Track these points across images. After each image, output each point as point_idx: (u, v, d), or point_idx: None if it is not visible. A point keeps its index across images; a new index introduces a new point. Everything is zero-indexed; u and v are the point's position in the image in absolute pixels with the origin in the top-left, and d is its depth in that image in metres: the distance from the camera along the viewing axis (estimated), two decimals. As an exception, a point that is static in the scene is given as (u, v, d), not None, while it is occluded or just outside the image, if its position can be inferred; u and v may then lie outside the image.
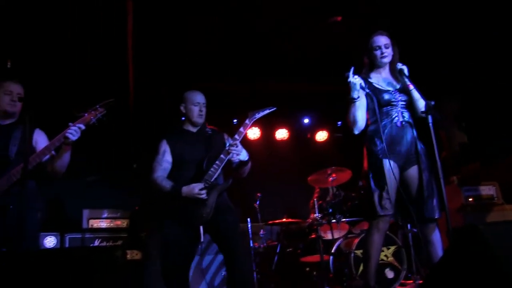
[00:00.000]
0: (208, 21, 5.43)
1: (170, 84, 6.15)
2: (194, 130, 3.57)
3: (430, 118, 2.95)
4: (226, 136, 3.64)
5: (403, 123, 3.28)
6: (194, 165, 3.39)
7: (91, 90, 5.38)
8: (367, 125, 3.37)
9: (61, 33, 5.10)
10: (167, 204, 3.36)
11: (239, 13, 5.31)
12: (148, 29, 5.33)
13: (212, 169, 3.31)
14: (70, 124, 3.05)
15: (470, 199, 5.15)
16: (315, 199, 5.56)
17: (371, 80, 3.37)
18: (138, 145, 5.85)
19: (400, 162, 3.27)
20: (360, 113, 3.29)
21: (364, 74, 3.40)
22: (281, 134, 7.56)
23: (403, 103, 3.31)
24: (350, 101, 3.26)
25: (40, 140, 3.26)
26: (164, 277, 3.30)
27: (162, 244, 3.41)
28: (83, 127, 3.07)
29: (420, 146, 3.28)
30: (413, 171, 3.28)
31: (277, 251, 5.50)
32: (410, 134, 3.28)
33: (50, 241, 4.74)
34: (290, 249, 5.57)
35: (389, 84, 3.36)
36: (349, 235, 5.31)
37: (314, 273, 5.13)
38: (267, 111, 3.55)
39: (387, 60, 3.36)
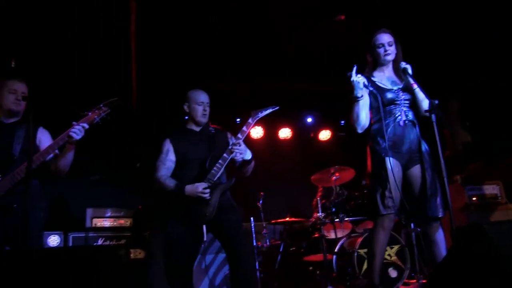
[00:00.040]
0: (212, 21, 5.44)
1: (173, 83, 6.15)
2: (197, 129, 3.57)
3: (433, 117, 2.94)
4: (229, 135, 3.63)
5: (407, 122, 3.27)
6: (197, 164, 3.39)
7: (94, 89, 5.38)
8: (370, 124, 3.36)
9: (65, 33, 5.11)
10: (170, 203, 3.36)
11: (242, 13, 5.32)
12: (151, 29, 5.33)
13: (215, 168, 3.31)
14: (74, 123, 3.05)
15: (474, 198, 5.14)
16: (318, 198, 5.56)
17: (374, 79, 3.36)
18: (141, 144, 5.86)
19: (403, 161, 3.26)
20: (364, 112, 3.29)
21: (367, 72, 3.39)
22: (284, 133, 7.55)
23: (407, 102, 3.30)
24: (354, 100, 3.26)
25: (43, 138, 3.26)
26: (167, 276, 3.31)
27: (165, 243, 3.41)
28: (86, 126, 3.07)
29: (423, 145, 3.28)
30: (416, 170, 3.27)
31: (280, 250, 5.50)
32: (413, 133, 3.28)
33: (53, 240, 4.75)
34: (293, 248, 5.57)
35: (392, 83, 3.35)
36: (352, 234, 5.31)
37: (317, 272, 5.13)
38: (270, 110, 3.55)
39: (390, 57, 3.35)
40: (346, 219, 5.35)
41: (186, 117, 3.60)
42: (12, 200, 2.97)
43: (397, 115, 3.27)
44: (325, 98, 7.03)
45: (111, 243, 4.95)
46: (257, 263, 5.07)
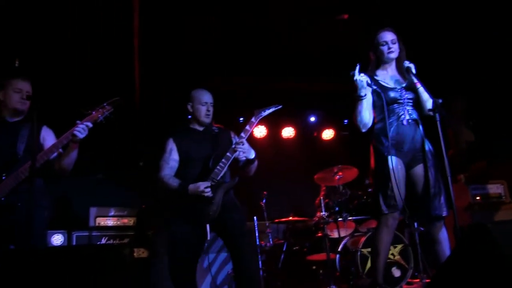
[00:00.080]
0: (215, 21, 5.44)
1: (176, 82, 6.15)
2: (200, 128, 3.57)
3: (437, 116, 2.93)
4: (232, 134, 3.63)
5: (410, 121, 3.26)
6: (201, 163, 3.39)
7: (98, 88, 5.39)
8: (373, 123, 3.36)
9: (68, 32, 5.11)
10: (174, 202, 3.36)
11: (245, 13, 5.33)
12: (153, 27, 5.34)
13: (218, 167, 3.31)
14: (78, 122, 3.06)
15: (478, 198, 5.12)
16: (321, 198, 5.55)
17: (377, 78, 3.35)
18: (144, 143, 5.87)
19: (406, 160, 3.26)
20: (367, 111, 3.28)
21: (370, 71, 3.38)
22: (288, 132, 7.54)
23: (410, 101, 3.29)
24: (357, 99, 3.25)
25: (47, 137, 3.27)
26: (171, 275, 3.31)
27: (169, 242, 3.41)
28: (90, 125, 3.07)
29: (427, 144, 3.27)
30: (419, 169, 3.26)
31: (284, 249, 5.51)
32: (417, 132, 3.27)
33: (57, 239, 4.76)
34: (297, 247, 5.57)
35: (396, 81, 3.35)
36: (356, 234, 5.30)
37: (321, 271, 5.13)
38: (273, 109, 3.55)
39: (394, 55, 3.34)
40: (349, 218, 5.35)
41: (190, 117, 3.60)
42: (16, 199, 2.98)
43: (400, 114, 3.26)
44: (328, 97, 7.02)
45: (114, 242, 4.95)
46: (260, 262, 5.08)
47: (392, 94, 3.27)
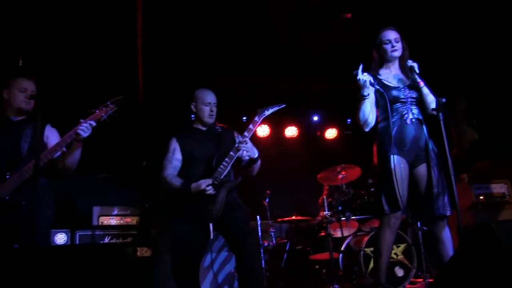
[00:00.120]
0: (218, 20, 5.45)
1: (179, 82, 6.16)
2: (204, 128, 3.57)
3: (441, 115, 2.92)
4: (235, 134, 3.63)
5: (413, 120, 3.26)
6: (204, 163, 3.39)
7: (101, 87, 5.40)
8: (377, 122, 3.35)
9: (71, 31, 5.12)
10: (177, 202, 3.37)
11: (248, 12, 5.33)
12: (157, 27, 5.34)
13: (221, 166, 3.31)
14: (81, 120, 3.06)
15: (481, 197, 5.11)
16: (324, 197, 5.55)
17: (380, 77, 3.35)
18: (147, 143, 5.87)
19: (409, 159, 3.25)
20: (370, 110, 3.28)
21: (373, 70, 3.38)
22: (291, 131, 7.54)
23: (413, 100, 3.28)
24: (360, 99, 3.25)
25: (51, 136, 3.27)
26: (174, 274, 3.31)
27: (172, 241, 3.41)
28: (94, 123, 3.07)
29: (430, 143, 3.26)
30: (422, 168, 3.26)
31: (287, 248, 5.50)
32: (420, 131, 3.26)
33: (60, 238, 4.77)
34: (300, 247, 5.57)
35: (399, 81, 3.34)
36: (359, 233, 5.30)
37: (324, 271, 5.12)
38: (276, 108, 3.55)
39: (397, 54, 3.33)
40: (353, 217, 5.34)
41: (193, 116, 3.60)
42: (20, 198, 2.98)
43: (404, 113, 3.25)
44: (332, 96, 7.02)
45: (117, 241, 4.97)
46: (263, 262, 5.08)
47: (395, 93, 3.26)
